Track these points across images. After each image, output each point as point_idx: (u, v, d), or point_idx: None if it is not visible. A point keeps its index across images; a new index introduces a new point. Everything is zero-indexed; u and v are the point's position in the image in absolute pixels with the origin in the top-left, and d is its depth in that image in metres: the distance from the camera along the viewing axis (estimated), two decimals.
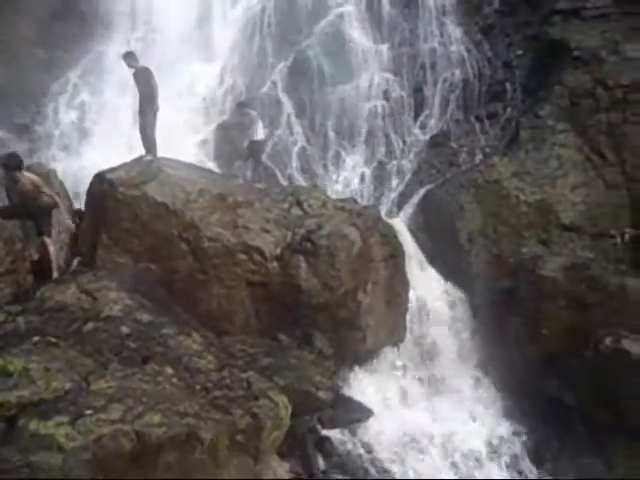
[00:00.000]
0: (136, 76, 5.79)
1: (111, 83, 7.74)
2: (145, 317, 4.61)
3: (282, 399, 4.19)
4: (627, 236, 6.49)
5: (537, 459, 5.16)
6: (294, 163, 7.41)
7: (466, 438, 5.24)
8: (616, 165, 6.78)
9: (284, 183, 6.93)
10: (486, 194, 6.63)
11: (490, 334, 6.02)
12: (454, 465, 5.14)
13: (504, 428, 5.49)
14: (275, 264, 5.43)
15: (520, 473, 5.15)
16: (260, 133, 7.49)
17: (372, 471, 4.97)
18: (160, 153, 5.80)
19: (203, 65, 8.02)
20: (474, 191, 6.63)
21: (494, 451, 5.33)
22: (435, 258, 6.50)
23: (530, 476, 5.13)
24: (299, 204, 5.78)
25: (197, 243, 5.33)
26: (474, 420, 5.53)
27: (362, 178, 7.38)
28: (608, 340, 5.02)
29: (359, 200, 6.58)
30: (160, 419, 3.56)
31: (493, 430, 5.48)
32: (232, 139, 7.55)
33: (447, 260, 6.46)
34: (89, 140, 7.71)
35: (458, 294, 6.26)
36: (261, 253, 5.41)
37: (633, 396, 4.70)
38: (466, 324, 6.10)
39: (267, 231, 5.51)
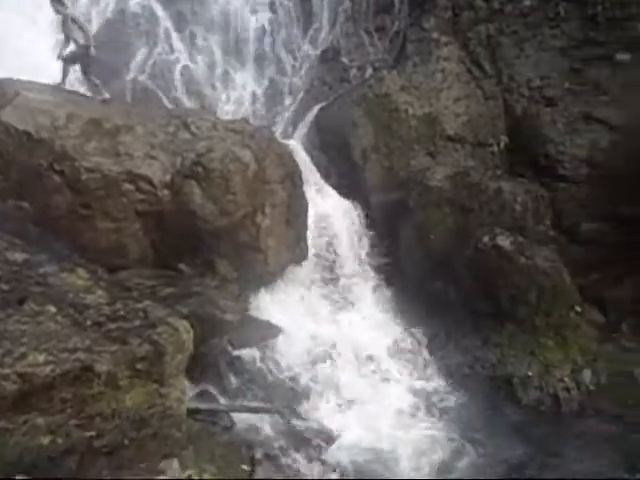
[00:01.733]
0: None
1: None
2: (18, 257, 4.02)
3: (183, 324, 3.94)
4: (502, 144, 6.39)
5: (430, 350, 5.23)
6: (178, 84, 6.32)
7: (368, 343, 5.14)
8: (493, 76, 6.51)
9: (169, 106, 5.96)
10: (376, 109, 6.13)
11: (386, 244, 5.87)
12: (357, 369, 5.03)
13: (401, 328, 5.47)
14: (166, 192, 4.75)
15: (417, 365, 5.30)
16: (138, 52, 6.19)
17: (282, 383, 4.79)
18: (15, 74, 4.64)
19: None
20: (365, 106, 6.11)
21: (394, 351, 5.31)
22: (331, 175, 6.09)
23: (424, 366, 5.32)
24: (186, 127, 5.00)
25: (74, 175, 4.48)
26: (375, 326, 5.43)
27: (254, 98, 6.54)
28: (486, 238, 5.19)
29: (252, 121, 5.84)
30: (45, 358, 3.36)
31: (392, 332, 5.42)
32: None
33: (343, 177, 6.08)
34: None
35: (355, 209, 5.92)
36: (149, 181, 4.68)
37: (507, 285, 4.96)
38: (364, 237, 5.85)
39: (153, 157, 4.76)
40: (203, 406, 4.16)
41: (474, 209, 5.56)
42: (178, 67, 6.24)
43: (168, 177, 4.66)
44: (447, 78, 6.30)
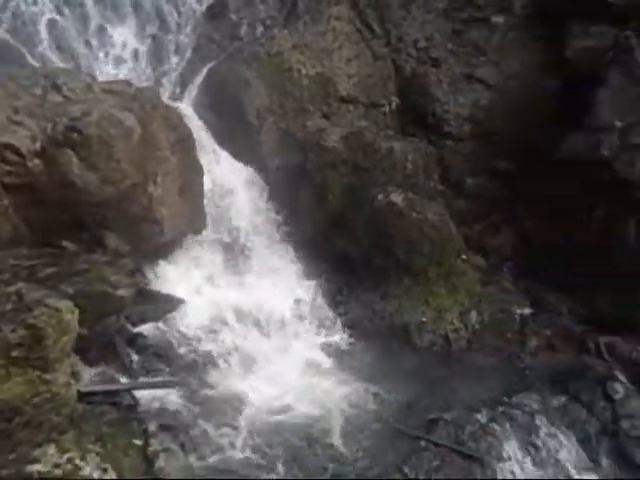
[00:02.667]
0: None
1: None
2: None
3: (65, 304, 3.47)
4: (394, 104, 6.27)
5: (333, 305, 5.17)
6: (44, 39, 5.39)
7: (273, 305, 4.97)
8: (382, 37, 6.30)
9: (35, 64, 5.11)
10: (269, 68, 5.70)
11: (286, 207, 5.63)
12: (262, 330, 4.91)
13: (304, 288, 5.34)
14: (37, 162, 4.10)
15: (320, 322, 5.26)
16: None
17: (186, 354, 4.54)
18: None
19: None
20: (257, 65, 5.67)
21: (297, 309, 5.17)
22: (226, 139, 5.61)
23: (328, 322, 5.27)
24: (57, 89, 4.30)
25: None
26: (278, 287, 5.24)
27: (136, 56, 5.76)
28: (380, 196, 5.21)
29: (136, 82, 5.16)
30: None
31: (295, 292, 5.28)
32: None
33: (238, 140, 5.64)
34: None
35: (252, 173, 5.58)
36: (15, 151, 4.00)
37: (402, 240, 5.05)
38: (263, 202, 5.56)
39: (18, 123, 4.06)
40: (99, 388, 3.81)
41: (369, 168, 5.52)
42: (43, 20, 5.36)
43: (38, 145, 4.04)
44: (338, 38, 6.01)
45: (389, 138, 5.75)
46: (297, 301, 5.24)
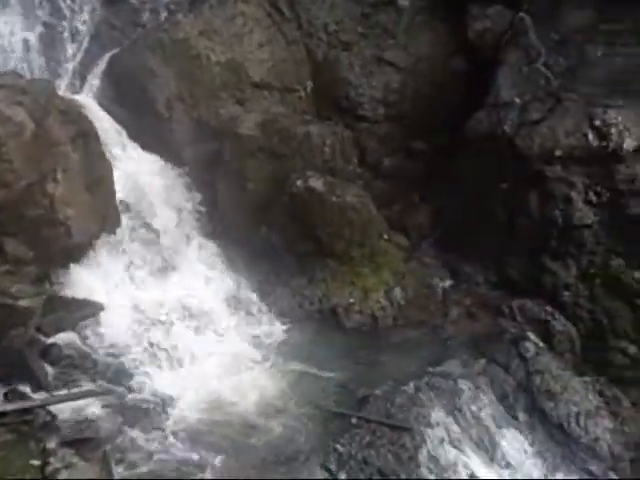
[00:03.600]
0: None
1: None
2: None
3: None
4: (309, 89, 6.18)
5: (262, 295, 5.14)
6: None
7: (199, 302, 4.87)
8: (293, 21, 6.19)
9: None
10: (175, 55, 5.46)
11: (205, 199, 5.51)
12: (189, 329, 4.78)
13: (230, 280, 5.26)
14: None
15: (250, 313, 5.22)
16: None
17: (109, 361, 4.34)
18: None
19: None
20: (162, 53, 5.41)
21: (225, 303, 5.10)
22: (135, 131, 5.38)
23: (258, 313, 5.21)
24: None
25: None
26: (204, 282, 5.16)
27: (26, 46, 5.30)
28: (299, 182, 5.13)
29: (27, 75, 4.82)
30: None
31: (221, 286, 5.21)
32: None
33: (148, 132, 5.41)
34: None
35: (166, 166, 5.37)
36: None
37: (323, 224, 5.06)
38: (180, 194, 5.36)
39: None
40: (10, 407, 3.59)
41: (287, 155, 5.44)
42: None
43: None
44: (248, 23, 5.84)
45: (305, 123, 5.71)
46: (224, 295, 5.14)
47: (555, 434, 4.07)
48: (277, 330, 4.98)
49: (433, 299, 5.36)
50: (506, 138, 5.03)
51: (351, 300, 5.16)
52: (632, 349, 4.51)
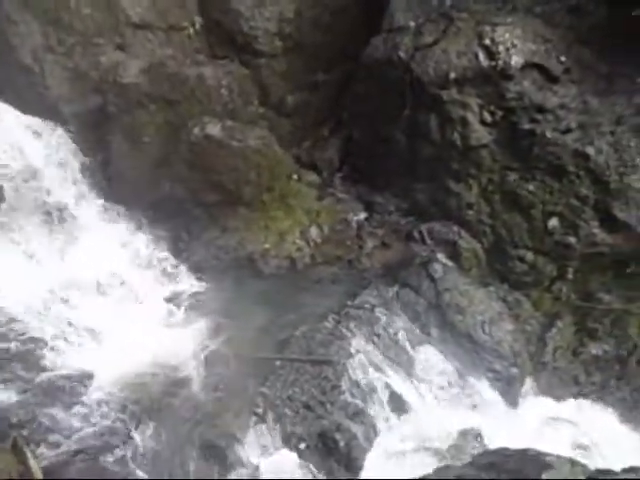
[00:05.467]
0: None
1: None
2: None
3: None
4: (197, 25, 5.67)
5: (175, 252, 5.01)
6: None
7: (108, 268, 4.74)
8: None
9: None
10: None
11: (96, 159, 5.19)
12: (99, 297, 4.68)
13: (140, 241, 5.12)
14: None
15: (165, 273, 5.13)
16: None
17: (13, 342, 4.14)
18: None
19: None
20: None
21: (136, 266, 4.96)
22: (4, 90, 4.83)
23: (173, 271, 5.10)
24: None
25: None
26: (110, 248, 4.95)
27: None
28: (196, 130, 4.89)
29: None
30: None
31: (130, 248, 5.08)
32: None
33: (20, 89, 4.89)
34: None
35: (45, 125, 4.90)
36: None
37: (227, 171, 4.97)
38: (65, 155, 4.98)
39: None
40: None
41: (180, 101, 5.13)
42: None
43: None
44: None
45: (197, 65, 5.32)
46: (135, 258, 4.95)
47: (464, 343, 4.42)
48: (195, 286, 4.90)
49: (349, 233, 5.41)
50: (402, 63, 5.01)
51: (267, 245, 5.12)
52: (529, 256, 4.84)
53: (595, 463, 3.49)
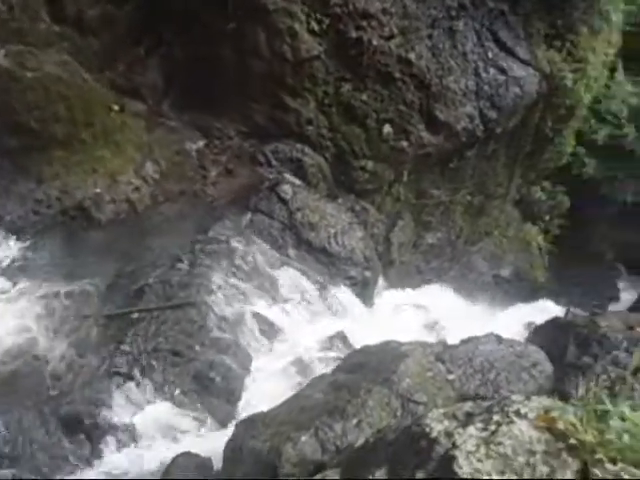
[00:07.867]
0: None
1: None
2: None
3: None
4: None
5: None
6: None
7: None
8: None
9: None
10: None
11: None
12: None
13: None
14: None
15: None
16: None
17: None
18: None
19: None
20: None
21: None
22: None
23: None
24: None
25: None
26: None
27: None
28: None
29: None
30: None
31: None
32: None
33: None
34: None
35: None
36: None
37: (27, 109, 4.37)
38: None
39: None
40: None
41: None
42: None
43: None
44: None
45: None
46: None
47: (321, 258, 4.55)
48: (15, 249, 4.23)
49: (189, 164, 5.02)
50: None
51: (97, 190, 4.55)
52: (370, 165, 5.06)
53: (441, 338, 3.99)
